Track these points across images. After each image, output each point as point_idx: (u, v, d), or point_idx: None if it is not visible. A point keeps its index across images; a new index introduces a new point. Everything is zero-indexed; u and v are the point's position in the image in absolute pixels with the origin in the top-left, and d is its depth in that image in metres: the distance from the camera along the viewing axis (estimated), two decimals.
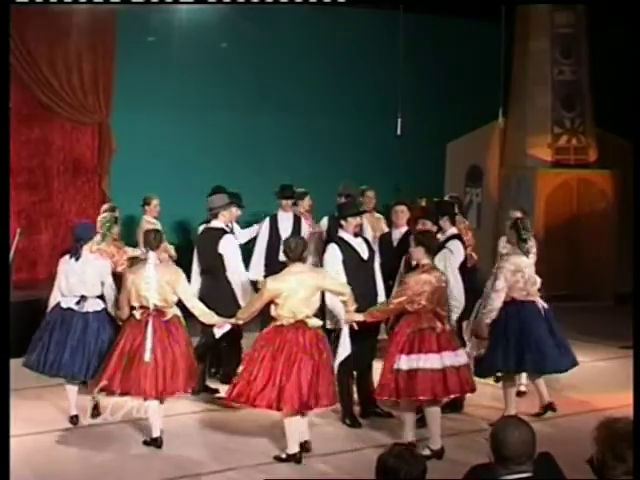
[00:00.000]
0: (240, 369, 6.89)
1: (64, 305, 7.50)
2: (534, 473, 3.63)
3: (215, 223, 8.38)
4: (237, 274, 8.29)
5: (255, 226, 9.68)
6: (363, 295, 7.37)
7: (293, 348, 6.69)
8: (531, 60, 13.63)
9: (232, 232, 8.71)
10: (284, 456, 6.81)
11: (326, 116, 12.73)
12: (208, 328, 7.79)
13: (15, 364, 7.02)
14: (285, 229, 9.34)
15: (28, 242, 9.46)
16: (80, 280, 7.43)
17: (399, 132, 12.15)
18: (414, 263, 7.10)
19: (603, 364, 9.84)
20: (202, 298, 7.70)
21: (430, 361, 6.85)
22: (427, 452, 6.80)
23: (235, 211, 8.85)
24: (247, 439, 7.32)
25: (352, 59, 12.83)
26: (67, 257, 7.54)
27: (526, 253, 7.71)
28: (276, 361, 6.67)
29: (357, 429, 7.63)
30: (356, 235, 7.76)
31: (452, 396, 7.10)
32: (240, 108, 12.17)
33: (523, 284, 7.65)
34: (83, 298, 7.43)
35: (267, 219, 9.46)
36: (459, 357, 7.01)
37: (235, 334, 8.22)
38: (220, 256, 8.24)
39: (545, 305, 7.77)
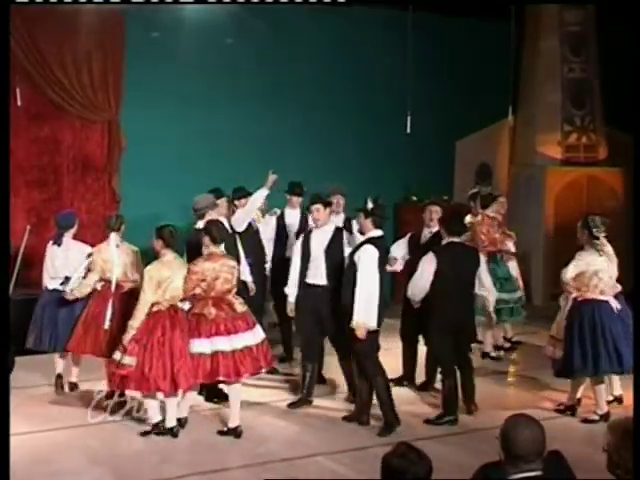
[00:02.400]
0: (127, 360, 7.07)
1: (50, 287, 8.38)
2: (544, 472, 3.62)
3: (201, 224, 8.01)
4: None
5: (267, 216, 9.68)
6: None
7: (167, 332, 7.08)
8: (541, 58, 13.61)
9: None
10: (163, 429, 7.25)
11: (335, 114, 12.71)
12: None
13: (20, 362, 7.06)
14: (292, 225, 9.40)
15: (39, 239, 9.45)
16: (64, 263, 8.29)
17: (409, 130, 12.14)
18: (204, 251, 7.33)
19: None
20: None
21: (200, 346, 7.09)
22: (225, 429, 7.25)
23: (224, 204, 8.87)
24: (250, 438, 7.34)
25: (361, 58, 12.79)
26: (51, 244, 8.44)
27: (599, 251, 7.69)
28: (164, 346, 7.05)
29: (363, 425, 7.64)
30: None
31: (221, 378, 7.16)
32: (250, 106, 12.16)
33: (597, 282, 7.63)
34: (67, 279, 8.20)
35: (273, 217, 9.49)
36: (233, 341, 7.10)
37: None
38: None
39: (619, 305, 7.76)
